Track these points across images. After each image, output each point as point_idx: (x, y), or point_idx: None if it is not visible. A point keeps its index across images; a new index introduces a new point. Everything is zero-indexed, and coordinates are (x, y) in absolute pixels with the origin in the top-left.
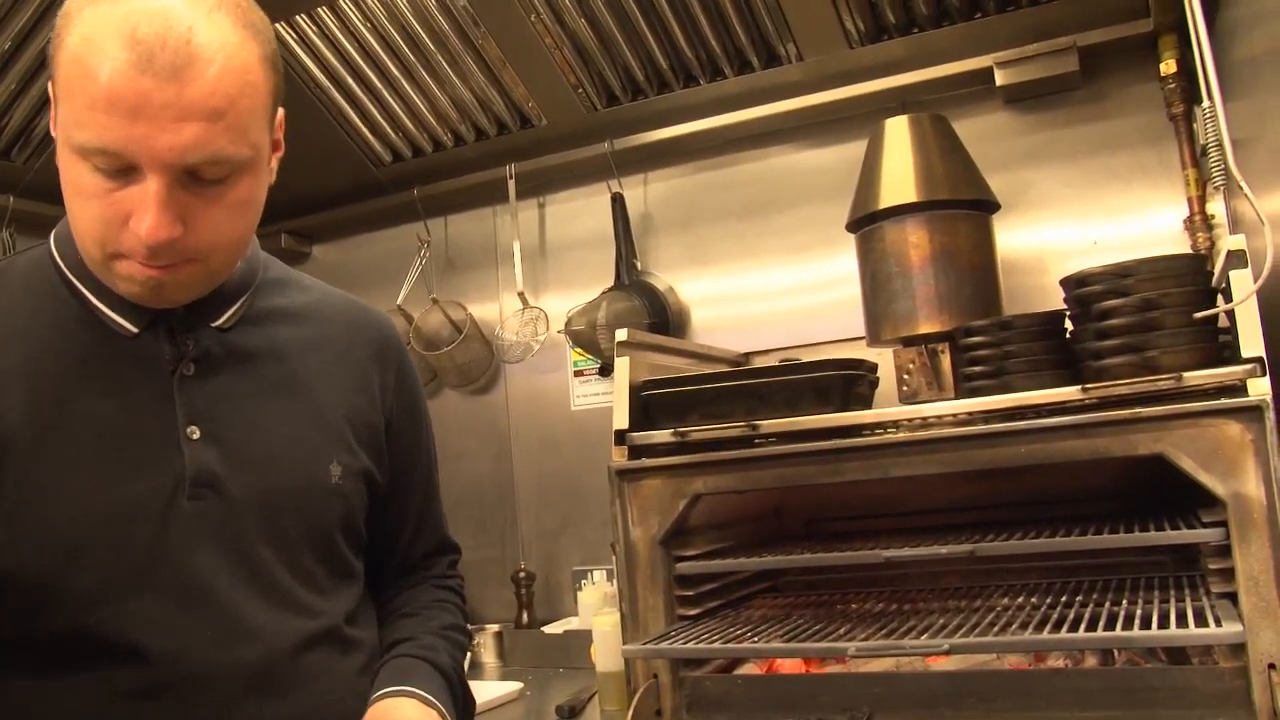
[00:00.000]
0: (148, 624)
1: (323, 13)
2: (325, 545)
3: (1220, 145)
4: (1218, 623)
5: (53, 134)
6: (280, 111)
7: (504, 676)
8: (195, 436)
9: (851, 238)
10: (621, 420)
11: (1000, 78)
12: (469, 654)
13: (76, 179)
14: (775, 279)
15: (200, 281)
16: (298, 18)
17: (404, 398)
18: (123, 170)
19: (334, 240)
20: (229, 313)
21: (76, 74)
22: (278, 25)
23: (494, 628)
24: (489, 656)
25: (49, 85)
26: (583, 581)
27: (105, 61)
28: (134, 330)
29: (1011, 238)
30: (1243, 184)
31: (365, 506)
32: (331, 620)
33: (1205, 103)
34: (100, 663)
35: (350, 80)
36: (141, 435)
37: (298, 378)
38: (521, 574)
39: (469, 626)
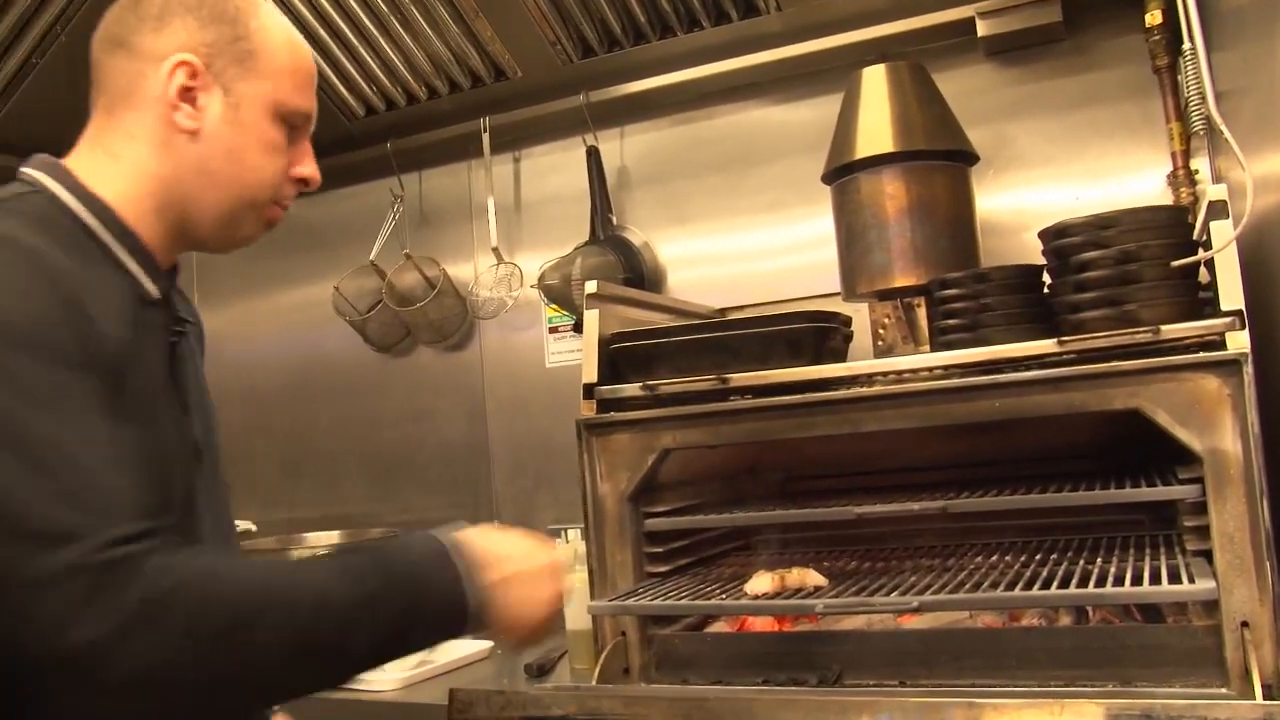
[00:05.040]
0: None
1: None
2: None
3: (1201, 90)
4: (1191, 580)
5: (222, 100)
6: None
7: None
8: (188, 405)
9: (829, 193)
10: (590, 374)
11: (982, 28)
12: None
13: (274, 138)
14: (752, 235)
15: None
16: None
17: None
18: (301, 129)
19: (306, 195)
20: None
21: (291, 56)
22: None
23: None
24: None
25: (228, 64)
26: (556, 540)
27: (307, 52)
28: (157, 295)
29: (992, 194)
30: (1223, 127)
31: None
32: None
33: (1186, 44)
34: None
35: (322, 31)
36: (166, 400)
37: (197, 339)
38: None
39: None
